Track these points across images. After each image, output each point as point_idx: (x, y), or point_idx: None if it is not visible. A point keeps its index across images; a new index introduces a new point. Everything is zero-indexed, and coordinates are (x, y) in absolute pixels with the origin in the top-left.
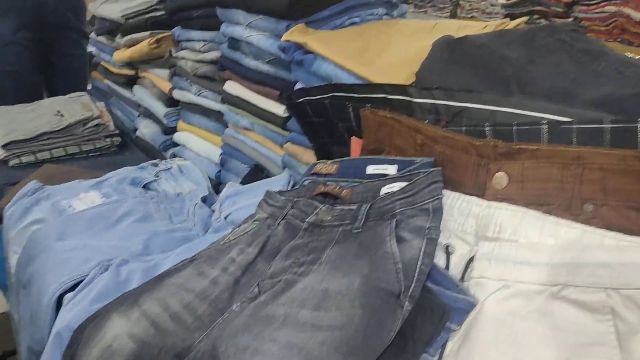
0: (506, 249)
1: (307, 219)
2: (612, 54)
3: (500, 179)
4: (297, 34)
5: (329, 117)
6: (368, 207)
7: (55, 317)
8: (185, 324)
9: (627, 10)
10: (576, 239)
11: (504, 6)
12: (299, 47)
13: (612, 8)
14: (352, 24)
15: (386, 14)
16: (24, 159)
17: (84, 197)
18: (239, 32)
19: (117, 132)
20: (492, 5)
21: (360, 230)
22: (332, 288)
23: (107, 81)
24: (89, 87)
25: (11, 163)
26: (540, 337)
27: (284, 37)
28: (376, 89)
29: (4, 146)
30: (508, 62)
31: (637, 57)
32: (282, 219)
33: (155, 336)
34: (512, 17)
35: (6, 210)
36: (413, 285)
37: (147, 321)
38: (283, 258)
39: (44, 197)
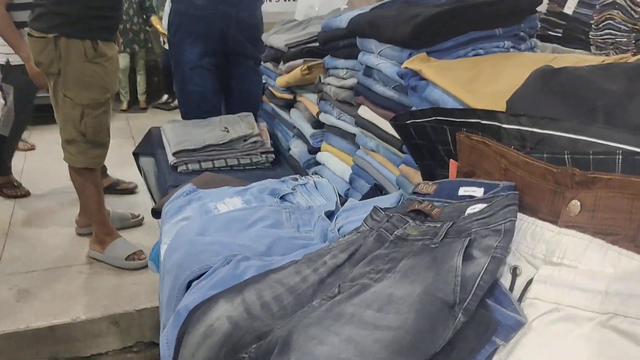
0: (564, 274)
1: (395, 232)
2: None
3: (574, 207)
4: (416, 62)
5: (430, 139)
6: (449, 226)
7: None
8: (271, 311)
9: None
10: (635, 271)
11: None
12: (415, 74)
13: None
14: (476, 54)
15: (513, 46)
16: (190, 166)
17: (228, 201)
18: (372, 60)
19: (272, 149)
20: None
21: (437, 245)
22: (397, 293)
23: (271, 104)
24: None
25: (179, 169)
26: None
27: (404, 65)
28: (471, 114)
29: (175, 154)
30: (603, 94)
31: None
32: (376, 231)
33: (246, 320)
34: None
35: (164, 207)
36: (469, 298)
37: (243, 307)
38: (365, 265)
39: (195, 198)
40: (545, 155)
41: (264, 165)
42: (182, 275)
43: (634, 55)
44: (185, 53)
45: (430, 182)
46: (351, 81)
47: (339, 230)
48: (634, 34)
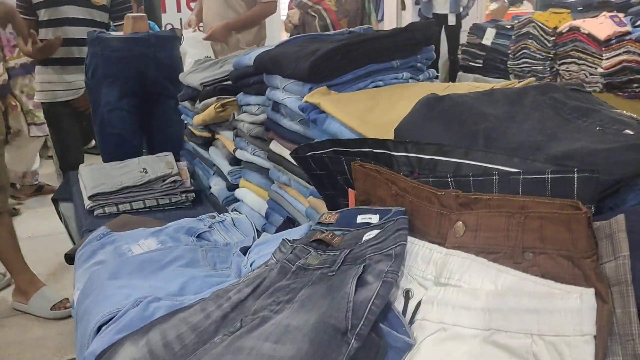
0: (448, 294)
1: (297, 262)
2: (604, 112)
3: (459, 228)
4: (316, 95)
5: (329, 170)
6: (347, 253)
7: None
8: (173, 351)
9: None
10: (513, 286)
11: (602, 75)
12: (314, 107)
13: None
14: (376, 86)
15: (412, 77)
16: (107, 209)
17: (142, 243)
18: (278, 95)
19: (192, 188)
20: (591, 74)
21: (334, 273)
22: (293, 324)
23: (191, 142)
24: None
25: (96, 212)
26: None
27: (304, 99)
28: (363, 143)
29: (90, 197)
30: (484, 118)
31: (629, 113)
32: (280, 263)
33: None
34: (611, 86)
35: (77, 252)
36: (361, 323)
37: (147, 348)
38: (267, 297)
39: (109, 241)
40: (430, 180)
41: (184, 205)
42: (92, 320)
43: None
44: (102, 95)
45: (332, 212)
46: (262, 117)
47: (251, 265)
48: (548, 62)
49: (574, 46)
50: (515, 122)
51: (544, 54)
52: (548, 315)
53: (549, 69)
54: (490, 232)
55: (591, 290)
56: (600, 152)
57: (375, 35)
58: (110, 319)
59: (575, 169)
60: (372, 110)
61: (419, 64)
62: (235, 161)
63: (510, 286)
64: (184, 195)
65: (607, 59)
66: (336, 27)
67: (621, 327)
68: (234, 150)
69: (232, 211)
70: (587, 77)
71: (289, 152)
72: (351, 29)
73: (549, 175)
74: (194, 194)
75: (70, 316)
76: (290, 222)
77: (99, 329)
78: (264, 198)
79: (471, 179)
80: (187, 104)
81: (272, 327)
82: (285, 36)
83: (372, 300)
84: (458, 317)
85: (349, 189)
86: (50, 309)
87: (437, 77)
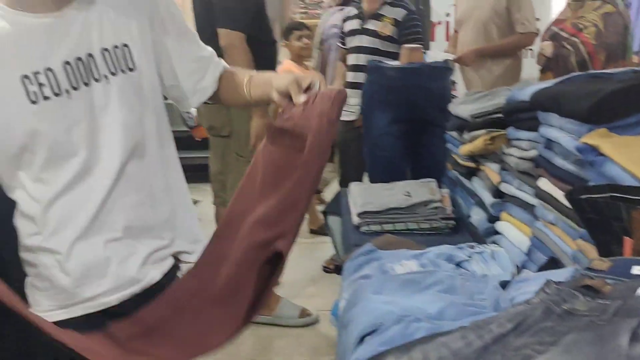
0: None
1: (563, 306)
2: None
3: None
4: (595, 137)
5: (604, 215)
6: (619, 304)
7: None
8: None
9: None
10: None
11: None
12: (593, 149)
13: None
14: None
15: None
16: (372, 227)
17: (404, 263)
18: (552, 133)
19: (452, 216)
20: None
21: (604, 323)
22: None
23: (454, 171)
24: None
25: (362, 229)
26: None
27: (582, 139)
28: None
29: (359, 215)
30: None
31: None
32: (545, 304)
33: None
34: None
35: (345, 264)
36: None
37: None
38: (529, 335)
39: (374, 258)
40: None
41: (443, 231)
42: (356, 330)
43: None
44: (375, 120)
45: (605, 259)
46: (533, 152)
47: (511, 300)
48: None
49: None
50: None
51: None
52: None
53: None
54: None
55: None
56: None
57: None
58: (373, 331)
59: None
60: None
61: None
62: (498, 194)
63: None
64: (444, 221)
65: None
66: (594, 62)
67: None
68: (499, 183)
69: (490, 243)
70: None
71: (560, 191)
72: (636, 69)
73: None
74: (454, 222)
75: (312, 324)
76: (553, 262)
77: (362, 338)
78: (526, 234)
79: None
80: (454, 133)
81: None
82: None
83: None
84: None
85: (625, 237)
86: (298, 317)
87: None
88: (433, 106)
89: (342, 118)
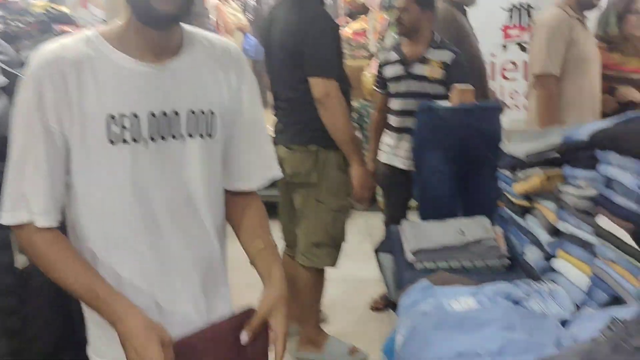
0: None
1: (632, 342)
2: None
3: None
4: None
5: None
6: None
7: None
8: None
9: None
10: None
11: None
12: None
13: None
14: None
15: None
16: (427, 264)
17: (461, 300)
18: (613, 171)
19: (507, 254)
20: None
21: None
22: None
23: (506, 209)
24: None
25: (417, 266)
26: None
27: None
28: None
29: (414, 252)
30: None
31: None
32: (612, 340)
33: None
34: None
35: (401, 299)
36: None
37: None
38: None
39: (430, 294)
40: None
41: (499, 270)
42: None
43: None
44: (427, 158)
45: None
46: (591, 191)
47: (573, 337)
48: None
49: None
50: None
51: None
52: None
53: None
54: None
55: None
56: None
57: None
58: None
59: None
60: None
61: None
62: (554, 232)
63: None
64: (499, 260)
65: None
66: None
67: None
68: (555, 221)
69: (548, 281)
70: None
71: (622, 229)
72: None
73: None
74: (509, 260)
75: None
76: (615, 301)
77: None
78: (584, 272)
79: None
80: (507, 172)
81: None
82: None
83: None
84: None
85: None
86: (348, 355)
87: None
88: (485, 146)
89: (391, 163)
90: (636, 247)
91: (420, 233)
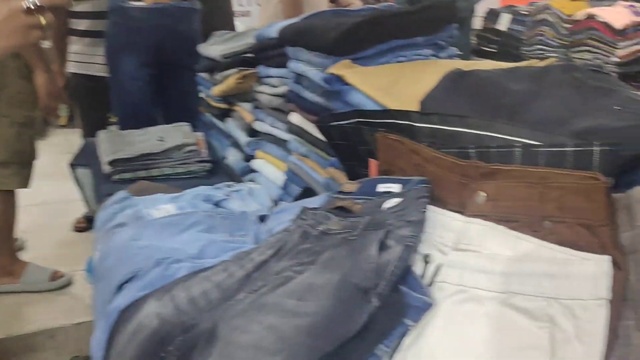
0: (468, 258)
1: (318, 227)
2: (624, 92)
3: (479, 197)
4: (340, 67)
5: (351, 140)
6: (368, 220)
7: None
8: (199, 306)
9: None
10: (531, 253)
11: (617, 64)
12: (338, 79)
13: None
14: (399, 62)
15: (433, 55)
16: (125, 175)
17: (161, 207)
18: (301, 67)
19: (208, 158)
20: (605, 63)
21: (356, 237)
22: (317, 282)
23: (207, 114)
24: None
25: (114, 177)
26: (483, 338)
27: (329, 70)
28: (387, 114)
29: (110, 163)
30: (507, 93)
31: None
32: (301, 228)
33: (174, 315)
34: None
35: (99, 213)
36: (384, 283)
37: (172, 304)
38: (289, 259)
39: (129, 205)
40: (452, 151)
41: (200, 174)
42: (114, 279)
43: None
44: (121, 63)
45: (353, 182)
46: (283, 89)
47: (270, 231)
48: (562, 50)
49: (590, 34)
50: (538, 98)
51: (558, 41)
52: (564, 280)
53: (563, 56)
54: (510, 202)
55: (608, 258)
56: (620, 129)
57: (399, 11)
58: (132, 278)
59: (596, 143)
60: (396, 83)
61: (441, 42)
62: (252, 133)
63: (528, 252)
64: (200, 164)
65: (623, 48)
66: None
67: (636, 292)
68: (253, 122)
69: (248, 181)
70: (601, 66)
71: (311, 123)
72: (374, 6)
73: (570, 149)
74: (210, 164)
75: (66, 285)
76: (308, 193)
77: (120, 286)
78: (282, 169)
79: (494, 150)
80: (205, 75)
81: (296, 285)
82: None
83: (394, 263)
84: (477, 280)
85: (371, 159)
86: (49, 281)
87: (457, 56)
88: (182, 48)
89: (86, 72)
90: (323, 139)
91: (118, 143)
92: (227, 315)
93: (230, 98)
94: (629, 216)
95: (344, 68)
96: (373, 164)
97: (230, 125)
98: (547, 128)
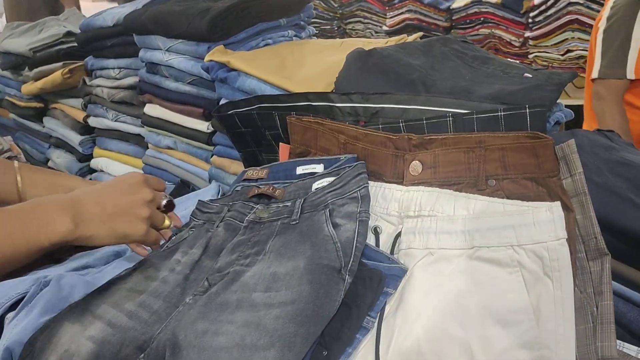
0: (427, 223)
1: (246, 218)
2: (497, 59)
3: (416, 166)
4: (218, 54)
5: (257, 126)
6: (302, 202)
7: None
8: (142, 319)
9: (498, 32)
10: (484, 209)
11: (387, 33)
12: (222, 66)
13: (485, 31)
14: (266, 44)
15: (295, 35)
16: None
17: None
18: (158, 56)
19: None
20: (376, 32)
21: (297, 221)
22: (280, 271)
23: (12, 115)
24: None
25: None
26: (463, 290)
27: (207, 58)
28: (300, 97)
29: None
30: (413, 68)
31: (516, 62)
32: (221, 222)
33: (114, 334)
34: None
35: None
36: (352, 260)
37: (102, 323)
38: (228, 253)
39: None
40: (380, 126)
41: None
42: None
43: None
44: None
45: (258, 168)
46: (129, 80)
47: None
48: (335, 21)
49: (359, 6)
50: (436, 70)
51: (331, 14)
52: (524, 228)
53: (336, 28)
54: (450, 167)
55: (558, 203)
56: (518, 92)
57: None
58: (12, 307)
59: (527, 105)
60: (284, 67)
61: (302, 22)
62: (85, 130)
63: (481, 210)
64: None
65: (391, 17)
66: None
67: (583, 229)
68: (85, 118)
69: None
70: (372, 35)
71: (177, 114)
72: None
73: (502, 113)
74: None
75: None
76: (184, 185)
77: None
78: (132, 165)
79: (424, 122)
80: (7, 73)
81: (254, 278)
82: None
83: (355, 238)
84: (442, 241)
85: (281, 143)
86: None
87: (312, 36)
88: None
89: None
90: (199, 129)
91: None
92: (184, 321)
93: (47, 95)
94: (566, 165)
95: (222, 54)
96: (284, 147)
97: (52, 125)
98: (459, 97)
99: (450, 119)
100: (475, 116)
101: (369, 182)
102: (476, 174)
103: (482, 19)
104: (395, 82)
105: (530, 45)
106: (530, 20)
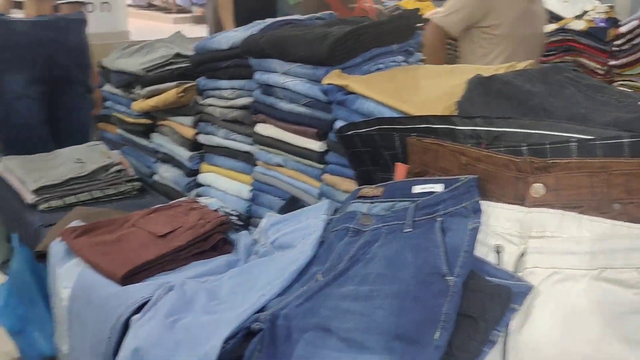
0: (553, 244)
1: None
2: (610, 87)
3: (538, 188)
4: (336, 77)
5: (376, 146)
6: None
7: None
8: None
9: (582, 60)
10: (608, 232)
11: None
12: (340, 89)
13: (569, 58)
14: (378, 69)
15: (404, 60)
16: (53, 203)
17: None
18: (275, 78)
19: (137, 177)
20: None
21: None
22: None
23: (119, 131)
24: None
25: (41, 207)
26: (588, 310)
27: (325, 81)
28: (420, 120)
29: (35, 191)
30: (532, 95)
31: (630, 90)
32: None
33: None
34: None
35: (51, 248)
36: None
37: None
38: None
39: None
40: (502, 149)
41: (132, 194)
42: (112, 315)
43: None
44: (7, 82)
45: (373, 186)
46: (242, 100)
47: (272, 243)
48: None
49: None
50: (554, 97)
51: None
52: None
53: None
54: (573, 190)
55: None
56: (634, 121)
57: (379, 20)
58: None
59: None
60: (400, 91)
61: (410, 48)
62: (194, 147)
63: (604, 232)
64: (129, 184)
65: None
66: None
67: None
68: (195, 135)
69: (195, 196)
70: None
71: (290, 133)
72: (317, 15)
73: (627, 140)
74: (140, 183)
75: None
76: (294, 201)
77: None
78: (240, 180)
79: (548, 146)
80: (119, 90)
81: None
82: None
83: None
84: (567, 261)
85: (397, 163)
86: None
87: (419, 62)
88: (73, 63)
89: None
90: (309, 148)
91: (33, 169)
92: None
93: (155, 113)
94: None
95: (339, 78)
96: (402, 167)
97: (161, 141)
98: (579, 123)
99: (575, 144)
100: (599, 142)
101: (490, 202)
102: (599, 198)
103: (566, 46)
104: (517, 107)
105: (615, 73)
106: (615, 48)
